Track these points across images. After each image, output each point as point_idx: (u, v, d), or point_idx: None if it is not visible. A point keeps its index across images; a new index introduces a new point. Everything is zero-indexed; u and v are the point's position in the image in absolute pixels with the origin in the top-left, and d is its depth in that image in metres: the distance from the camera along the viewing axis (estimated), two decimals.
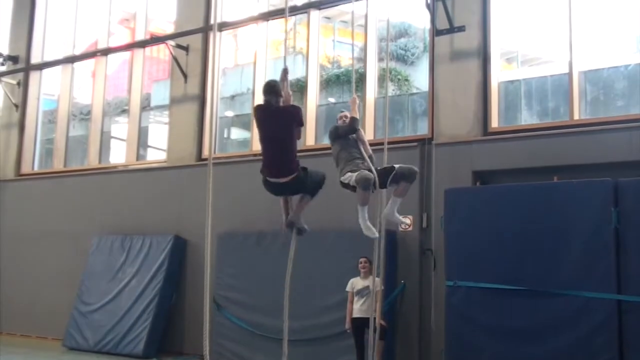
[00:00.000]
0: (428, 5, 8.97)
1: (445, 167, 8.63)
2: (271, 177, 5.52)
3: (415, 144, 8.98)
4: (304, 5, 10.64)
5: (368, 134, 9.71)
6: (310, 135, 10.26)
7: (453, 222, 7.90)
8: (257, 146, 10.86)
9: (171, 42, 11.48)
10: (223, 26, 11.45)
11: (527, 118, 9.03)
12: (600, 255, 6.92)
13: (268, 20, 11.22)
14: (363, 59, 10.06)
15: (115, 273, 11.09)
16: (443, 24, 8.94)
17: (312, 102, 10.46)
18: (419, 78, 10.67)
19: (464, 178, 8.45)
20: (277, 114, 5.49)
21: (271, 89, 5.53)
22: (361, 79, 9.73)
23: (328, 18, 12.07)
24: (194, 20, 11.59)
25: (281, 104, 5.57)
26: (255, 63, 11.15)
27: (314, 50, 10.58)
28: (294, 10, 10.75)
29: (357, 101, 6.28)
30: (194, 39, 11.49)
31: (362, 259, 8.02)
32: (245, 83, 12.86)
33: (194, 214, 10.46)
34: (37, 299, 12.33)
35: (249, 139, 11.16)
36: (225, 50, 12.16)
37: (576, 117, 8.31)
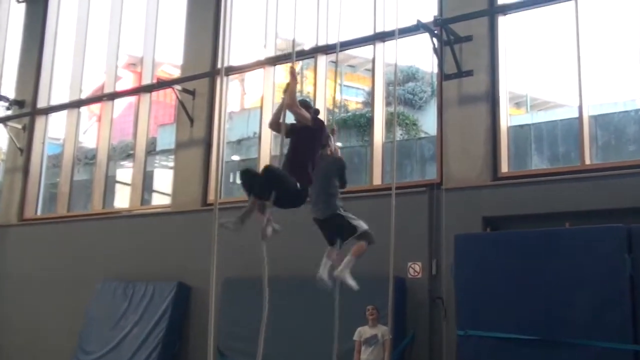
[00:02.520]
0: (436, 50, 9.10)
1: (455, 212, 8.62)
2: None
3: (424, 188, 8.99)
4: (311, 50, 10.82)
5: (375, 179, 9.75)
6: None
7: (463, 269, 7.86)
8: None
9: (177, 87, 11.64)
10: (230, 71, 11.61)
11: (537, 163, 9.06)
12: (615, 304, 6.85)
13: (275, 64, 11.38)
14: (370, 103, 10.16)
15: (118, 320, 11.02)
16: (451, 68, 9.04)
17: None
18: (427, 122, 10.78)
19: (474, 224, 8.44)
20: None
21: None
22: (369, 123, 9.85)
23: (334, 62, 12.26)
24: (200, 65, 11.76)
25: None
26: (262, 107, 11.28)
27: (321, 95, 10.70)
28: (301, 54, 10.91)
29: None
30: (200, 83, 11.64)
31: (369, 307, 7.96)
32: (251, 127, 13.01)
33: (199, 260, 10.44)
34: (38, 345, 12.25)
35: None
36: (232, 95, 12.33)
37: (587, 162, 8.32)
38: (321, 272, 5.78)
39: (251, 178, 5.36)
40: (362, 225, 5.88)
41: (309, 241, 6.34)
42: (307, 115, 5.59)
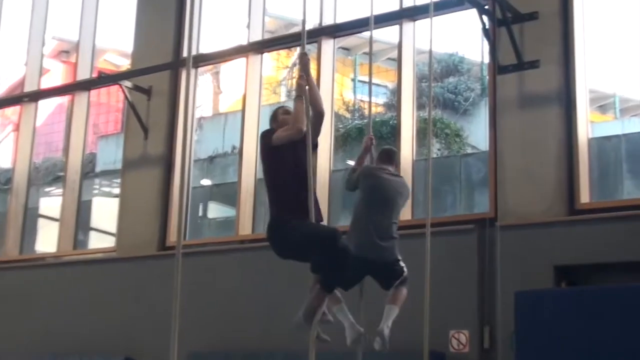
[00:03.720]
0: (487, 32, 9.10)
1: (515, 260, 8.58)
2: None
3: (471, 226, 8.96)
4: (313, 32, 10.84)
5: (403, 212, 9.71)
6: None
7: (528, 339, 7.81)
8: (244, 228, 10.88)
9: (127, 83, 11.66)
10: (200, 60, 11.64)
11: (630, 190, 9.02)
12: None
13: (262, 52, 11.41)
14: (396, 106, 10.15)
15: None
16: (509, 57, 9.05)
17: (324, 166, 10.51)
18: (476, 133, 10.76)
19: (542, 276, 8.40)
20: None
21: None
22: (393, 133, 9.83)
23: (346, 49, 12.29)
24: (158, 53, 11.79)
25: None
26: (244, 110, 11.26)
27: (326, 94, 10.69)
28: (299, 38, 10.95)
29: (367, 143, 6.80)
30: (158, 78, 11.67)
31: None
32: (229, 139, 12.98)
33: (154, 327, 10.37)
34: None
35: (234, 218, 11.19)
36: (202, 94, 12.34)
37: None
38: (352, 335, 6.12)
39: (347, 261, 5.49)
40: (404, 266, 6.38)
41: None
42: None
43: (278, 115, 5.89)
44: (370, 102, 7.25)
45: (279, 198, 5.58)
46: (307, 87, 5.73)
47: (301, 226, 5.48)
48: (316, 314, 5.48)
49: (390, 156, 6.96)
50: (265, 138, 5.69)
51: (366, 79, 13.60)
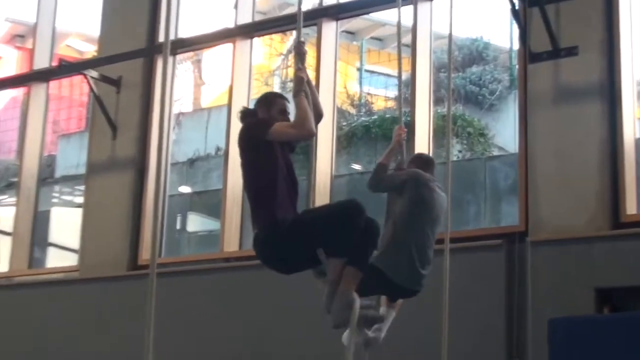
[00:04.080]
0: (516, 13, 9.08)
1: (549, 281, 8.58)
2: None
3: (498, 241, 8.96)
4: (312, 13, 10.82)
5: None
6: None
7: None
8: (230, 244, 10.86)
9: (92, 73, 11.66)
10: (178, 46, 11.65)
11: None
12: None
13: (252, 36, 11.40)
14: (410, 100, 10.14)
15: None
16: (542, 42, 9.04)
17: (324, 171, 10.49)
18: (503, 131, 10.75)
19: (581, 300, 8.40)
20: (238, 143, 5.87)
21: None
22: (407, 131, 9.80)
23: (351, 33, 12.29)
24: (130, 38, 11.80)
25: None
26: (230, 105, 11.24)
27: (327, 86, 10.69)
28: (295, 20, 10.94)
29: (399, 134, 6.84)
30: (129, 67, 11.67)
31: None
32: (212, 138, 12.97)
33: (124, 359, 10.35)
34: None
35: (218, 232, 11.16)
36: (182, 86, 12.32)
37: None
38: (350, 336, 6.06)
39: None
40: None
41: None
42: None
43: (275, 102, 5.90)
44: (400, 82, 7.19)
45: (270, 202, 5.59)
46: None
47: (305, 216, 5.62)
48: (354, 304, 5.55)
49: (430, 165, 6.84)
50: (258, 128, 5.67)
51: (374, 68, 13.64)
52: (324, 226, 5.53)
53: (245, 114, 5.92)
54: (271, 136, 5.60)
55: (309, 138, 5.74)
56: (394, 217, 6.42)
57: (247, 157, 5.74)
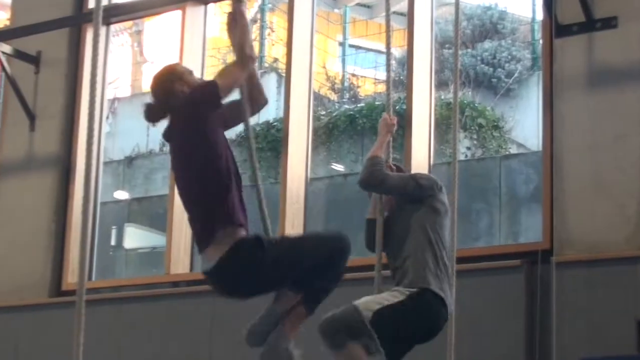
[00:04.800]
0: None
1: (580, 310, 8.65)
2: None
3: (516, 262, 9.01)
4: None
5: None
6: None
7: None
8: (178, 264, 10.86)
9: (4, 47, 11.64)
10: (113, 14, 11.68)
11: None
12: None
13: (206, 2, 11.41)
14: (406, 83, 10.18)
15: None
16: (573, 12, 9.09)
17: (298, 172, 10.51)
18: (523, 123, 10.80)
19: (619, 334, 8.43)
20: (170, 135, 5.92)
21: (152, 92, 5.99)
22: (401, 123, 9.84)
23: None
24: (51, 3, 11.79)
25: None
26: None
27: (302, 65, 10.72)
28: None
29: (389, 125, 6.76)
30: (51, 40, 11.68)
31: None
32: (156, 130, 12.95)
33: None
34: None
35: (163, 249, 11.16)
36: (118, 64, 12.30)
37: None
38: None
39: None
40: None
41: None
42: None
43: (179, 70, 6.03)
44: (389, 59, 7.21)
45: (232, 211, 5.67)
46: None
47: (289, 249, 5.83)
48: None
49: None
50: (204, 96, 5.75)
51: (360, 42, 13.64)
52: (310, 264, 5.76)
53: (155, 108, 5.96)
54: (224, 94, 5.69)
55: (252, 66, 5.89)
56: (423, 233, 6.52)
57: (192, 147, 5.74)
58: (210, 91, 5.67)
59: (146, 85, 14.96)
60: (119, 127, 12.64)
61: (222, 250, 5.68)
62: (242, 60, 5.76)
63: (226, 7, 11.26)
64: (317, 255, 5.82)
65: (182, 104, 5.75)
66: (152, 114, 5.96)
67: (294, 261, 5.79)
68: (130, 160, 12.57)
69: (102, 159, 11.66)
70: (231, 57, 6.36)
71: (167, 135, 5.90)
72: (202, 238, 5.78)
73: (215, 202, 5.71)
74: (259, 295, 5.87)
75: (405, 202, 6.67)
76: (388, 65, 7.25)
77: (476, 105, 11.47)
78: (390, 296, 6.27)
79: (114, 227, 12.38)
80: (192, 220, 5.88)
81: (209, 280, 5.85)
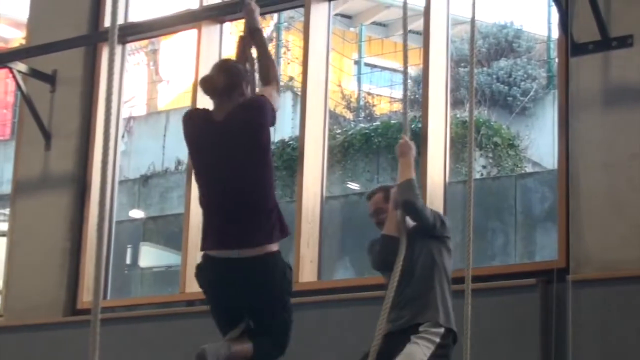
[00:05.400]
0: None
1: (597, 331, 8.60)
2: (218, 247, 6.12)
3: (532, 280, 8.96)
4: None
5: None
6: (309, 267, 10.25)
7: None
8: (193, 283, 10.84)
9: (20, 66, 11.67)
10: (129, 33, 11.69)
11: None
12: None
13: (222, 20, 11.43)
14: (422, 101, 10.18)
15: None
16: (589, 30, 9.08)
17: (313, 190, 10.50)
18: (539, 142, 10.77)
19: (636, 353, 8.36)
20: (230, 125, 6.10)
21: (224, 75, 6.21)
22: (417, 141, 9.82)
23: (348, 17, 12.32)
24: (67, 22, 11.82)
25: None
26: (194, 106, 11.26)
27: (317, 83, 10.72)
28: (278, 0, 10.98)
29: (412, 147, 7.00)
30: (67, 59, 11.69)
31: None
32: (172, 148, 12.98)
33: None
34: None
35: (178, 268, 11.16)
36: (134, 83, 12.32)
37: None
38: None
39: None
40: None
41: None
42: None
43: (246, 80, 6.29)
44: (406, 77, 7.22)
45: (279, 221, 6.10)
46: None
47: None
48: None
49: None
50: (269, 108, 6.11)
51: (376, 61, 13.65)
52: (282, 328, 6.17)
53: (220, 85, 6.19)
54: (274, 111, 6.15)
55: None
56: (442, 269, 6.70)
57: (260, 153, 6.06)
58: (272, 110, 6.10)
59: (162, 104, 14.99)
60: (134, 146, 12.65)
61: (272, 248, 5.98)
62: (277, 82, 6.07)
63: (242, 25, 11.29)
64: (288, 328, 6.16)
65: (259, 104, 6.06)
66: (213, 86, 6.16)
67: (284, 310, 6.11)
68: (145, 179, 12.58)
69: (117, 178, 11.68)
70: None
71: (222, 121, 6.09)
72: (250, 229, 5.98)
73: (272, 204, 6.07)
74: (230, 316, 6.16)
75: (415, 232, 6.79)
76: (405, 84, 7.31)
77: (492, 123, 11.46)
78: (425, 348, 6.50)
79: (129, 245, 12.38)
80: (238, 208, 6.03)
81: (230, 267, 6.02)
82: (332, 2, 11.00)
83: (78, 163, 11.51)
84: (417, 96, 10.29)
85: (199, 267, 6.30)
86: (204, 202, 6.25)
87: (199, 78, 6.45)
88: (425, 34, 10.26)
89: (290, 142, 12.06)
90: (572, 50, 9.18)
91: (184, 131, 6.32)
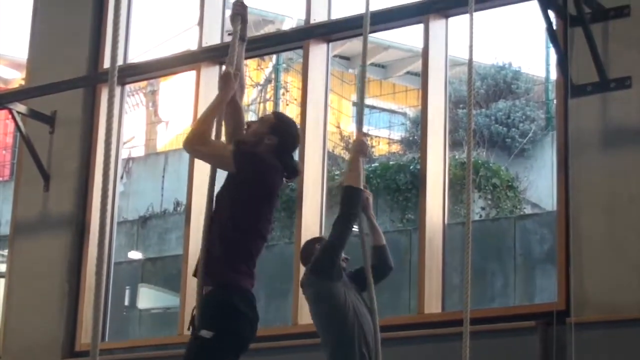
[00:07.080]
0: (554, 35, 9.14)
1: None
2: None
3: (531, 323, 8.94)
4: (298, 33, 10.85)
5: (430, 302, 9.67)
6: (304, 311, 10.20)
7: None
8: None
9: (19, 107, 11.66)
10: (128, 74, 11.70)
11: None
12: None
13: (221, 62, 11.42)
14: (420, 142, 10.16)
15: None
16: (587, 72, 9.08)
17: (312, 231, 10.43)
18: (538, 183, 10.75)
19: None
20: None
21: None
22: (415, 183, 9.79)
23: (346, 59, 12.33)
24: (67, 63, 11.83)
25: None
26: None
27: (315, 124, 10.71)
28: (280, 41, 10.98)
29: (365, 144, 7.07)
30: (66, 100, 11.70)
31: None
32: (171, 189, 12.97)
33: None
34: None
35: (177, 309, 11.11)
36: (133, 124, 12.31)
37: None
38: None
39: None
40: None
41: None
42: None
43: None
44: (364, 61, 7.24)
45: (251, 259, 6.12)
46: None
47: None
48: None
49: None
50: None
51: (374, 102, 13.66)
52: None
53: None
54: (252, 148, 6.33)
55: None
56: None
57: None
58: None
59: (160, 145, 14.98)
60: (133, 187, 12.62)
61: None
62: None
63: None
64: None
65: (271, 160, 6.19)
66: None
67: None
68: (144, 220, 12.54)
69: (116, 219, 11.65)
70: (246, 117, 6.54)
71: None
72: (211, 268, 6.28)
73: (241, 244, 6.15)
74: None
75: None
76: (363, 72, 7.30)
77: (490, 165, 11.44)
78: None
79: (127, 287, 12.33)
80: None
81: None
82: (330, 44, 11.00)
83: (77, 204, 11.49)
84: (415, 137, 10.27)
85: (252, 306, 6.23)
86: (260, 245, 6.31)
87: None
88: (424, 75, 10.26)
89: (289, 184, 12.03)
90: (570, 92, 9.17)
91: (277, 179, 6.38)
